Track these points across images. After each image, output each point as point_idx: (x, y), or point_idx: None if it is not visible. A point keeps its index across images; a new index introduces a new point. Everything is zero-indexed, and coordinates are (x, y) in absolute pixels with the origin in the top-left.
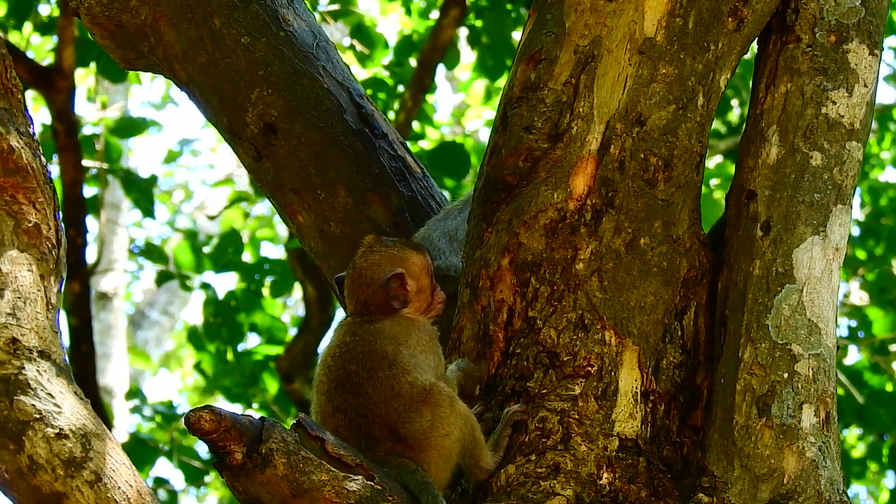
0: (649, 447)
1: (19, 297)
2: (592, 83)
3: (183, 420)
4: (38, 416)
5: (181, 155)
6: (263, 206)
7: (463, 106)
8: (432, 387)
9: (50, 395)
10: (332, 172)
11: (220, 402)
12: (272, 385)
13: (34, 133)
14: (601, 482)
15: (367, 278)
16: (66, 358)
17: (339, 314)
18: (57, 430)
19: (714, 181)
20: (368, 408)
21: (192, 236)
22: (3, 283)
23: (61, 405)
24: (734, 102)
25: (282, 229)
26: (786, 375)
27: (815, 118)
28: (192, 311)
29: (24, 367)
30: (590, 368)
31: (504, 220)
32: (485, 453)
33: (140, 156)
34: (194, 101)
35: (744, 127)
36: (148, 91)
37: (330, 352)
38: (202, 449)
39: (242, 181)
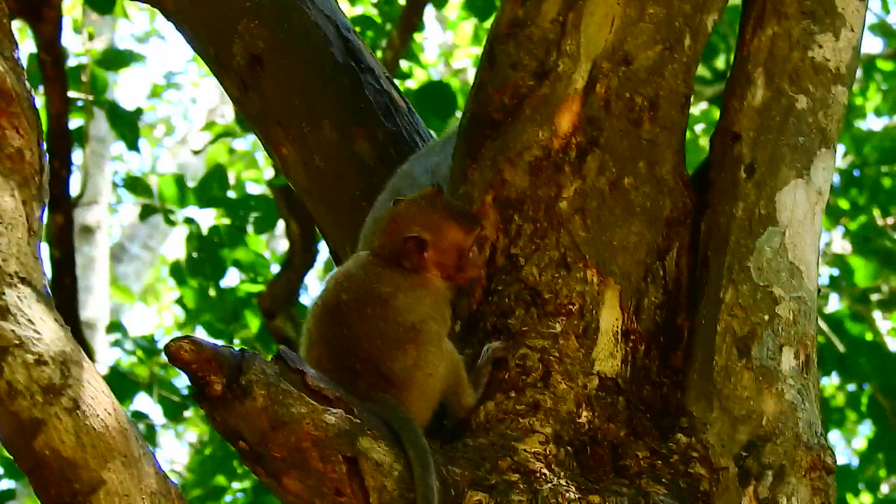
0: (629, 386)
1: (0, 223)
2: (580, 21)
3: (163, 350)
4: (17, 342)
5: (165, 89)
6: (246, 143)
7: (451, 46)
8: (421, 324)
9: (30, 321)
10: (317, 106)
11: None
12: (254, 322)
13: (19, 58)
14: (580, 420)
15: (393, 228)
16: (47, 285)
17: (323, 252)
18: (36, 357)
19: (700, 126)
20: (353, 341)
21: (178, 174)
22: None
23: (41, 331)
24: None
25: (267, 171)
26: (766, 318)
27: (802, 61)
28: (173, 246)
29: (4, 293)
30: (571, 307)
31: (488, 157)
32: (466, 391)
33: (124, 89)
34: (181, 32)
35: (730, 69)
36: (133, 24)
37: (335, 276)
38: (182, 383)
39: (225, 118)
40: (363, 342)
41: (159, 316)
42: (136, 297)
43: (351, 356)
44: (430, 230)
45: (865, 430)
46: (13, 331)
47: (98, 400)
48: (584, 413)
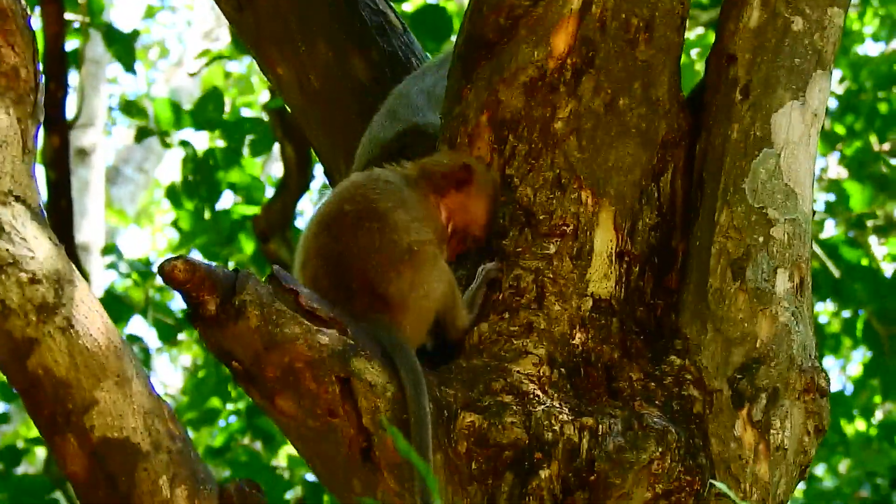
0: (623, 308)
1: None
2: None
3: (157, 270)
4: (10, 260)
5: (160, 10)
6: (242, 66)
7: None
8: (419, 246)
9: (24, 239)
10: (312, 25)
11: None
12: (248, 245)
13: None
14: (574, 342)
15: (457, 154)
16: (41, 204)
17: (319, 175)
18: (30, 275)
19: (695, 51)
20: (348, 258)
21: (173, 100)
22: None
23: (35, 250)
24: None
25: (262, 96)
26: (761, 239)
27: None
28: (168, 169)
29: None
30: (565, 228)
31: (483, 78)
32: (461, 312)
33: (119, 10)
34: None
35: None
36: None
37: (341, 185)
38: (177, 306)
39: (220, 41)
40: (358, 260)
41: (153, 238)
42: (130, 220)
43: (347, 274)
44: (478, 181)
45: (860, 356)
46: (7, 249)
47: (91, 319)
48: (578, 335)
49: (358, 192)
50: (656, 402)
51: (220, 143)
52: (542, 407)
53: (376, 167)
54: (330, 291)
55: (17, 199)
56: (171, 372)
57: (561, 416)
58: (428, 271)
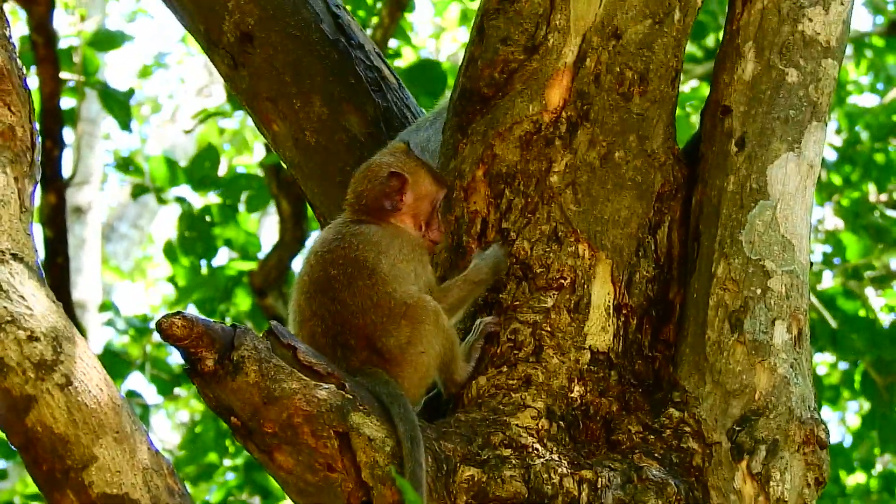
0: (621, 361)
1: None
2: None
3: (155, 326)
4: (9, 318)
5: (155, 68)
6: (236, 122)
7: (439, 29)
8: (416, 301)
9: (22, 297)
10: (307, 81)
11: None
12: (245, 300)
13: (10, 35)
14: (572, 395)
15: (372, 172)
16: (39, 261)
17: (314, 232)
18: (28, 333)
19: (689, 104)
20: (346, 316)
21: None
22: None
23: (33, 307)
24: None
25: (257, 150)
26: (759, 291)
27: (792, 35)
28: (162, 226)
29: None
30: (563, 281)
31: (479, 132)
32: (459, 366)
33: (113, 68)
34: (171, 9)
35: (720, 45)
36: (122, 3)
37: (314, 249)
38: (175, 361)
39: (213, 97)
40: (356, 317)
41: (146, 293)
42: (125, 276)
43: (345, 331)
44: (408, 172)
45: (857, 408)
46: (5, 307)
47: (90, 376)
48: (577, 387)
49: (337, 253)
50: (655, 455)
51: (216, 200)
52: (542, 460)
53: (335, 221)
54: (329, 349)
55: (15, 257)
56: (168, 429)
57: (560, 470)
58: (427, 327)
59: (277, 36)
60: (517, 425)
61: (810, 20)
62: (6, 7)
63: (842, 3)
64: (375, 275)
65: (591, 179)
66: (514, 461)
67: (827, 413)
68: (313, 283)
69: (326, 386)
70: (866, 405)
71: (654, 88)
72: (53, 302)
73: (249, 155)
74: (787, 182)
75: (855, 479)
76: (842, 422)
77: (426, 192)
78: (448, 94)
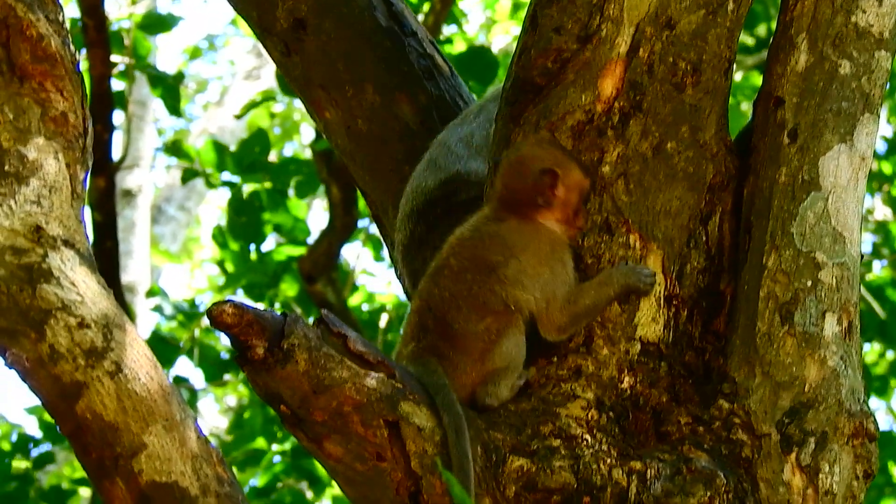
0: (671, 352)
1: (44, 186)
2: None
3: (205, 314)
4: (60, 305)
5: (206, 51)
6: (283, 104)
7: (490, 21)
8: (517, 304)
9: (73, 284)
10: (360, 69)
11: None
12: (293, 287)
13: (63, 21)
14: (622, 386)
15: (524, 167)
16: (90, 248)
17: (364, 220)
18: (79, 320)
19: (741, 94)
20: (438, 300)
21: (217, 141)
22: (29, 171)
23: (84, 294)
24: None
25: (306, 133)
26: (809, 283)
27: (845, 26)
28: (210, 208)
29: (47, 256)
30: None
31: (531, 121)
32: (511, 383)
33: (163, 50)
34: None
35: (772, 36)
36: None
37: (450, 241)
38: (223, 347)
39: (261, 82)
40: (447, 303)
41: (192, 275)
42: (174, 258)
43: (430, 312)
44: (559, 166)
45: None
46: (56, 294)
47: (140, 363)
48: (626, 378)
49: (465, 245)
50: (704, 447)
51: (266, 184)
52: (591, 451)
53: (472, 216)
54: (409, 327)
55: (66, 243)
56: (215, 413)
57: (609, 461)
58: (511, 334)
59: (330, 23)
60: (567, 416)
61: (864, 11)
62: None
63: None
64: (494, 273)
65: (642, 170)
66: (563, 451)
67: (874, 402)
68: (434, 268)
69: (376, 375)
70: None
71: (707, 79)
72: (104, 289)
73: (298, 139)
74: (839, 174)
75: None
76: (889, 410)
77: (575, 184)
78: (492, 87)
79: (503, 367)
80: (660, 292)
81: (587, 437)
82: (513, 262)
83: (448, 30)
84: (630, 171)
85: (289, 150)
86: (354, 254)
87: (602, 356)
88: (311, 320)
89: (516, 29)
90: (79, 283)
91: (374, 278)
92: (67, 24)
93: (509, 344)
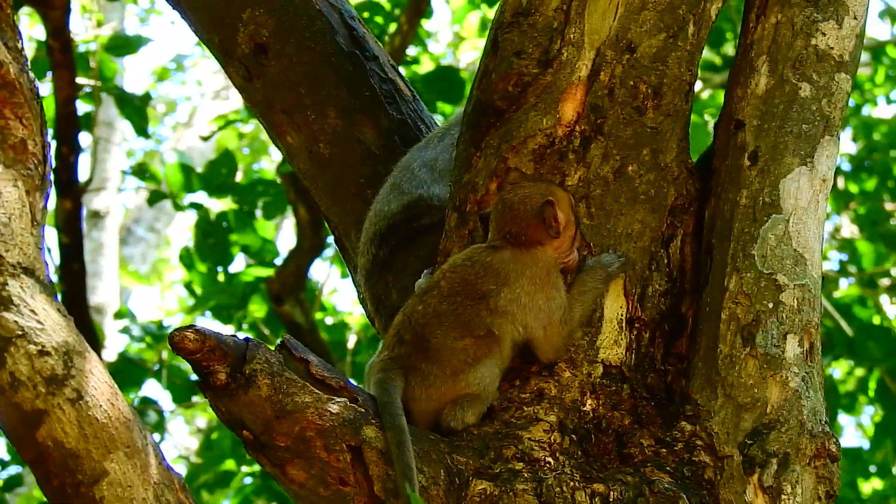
0: (633, 374)
1: (3, 213)
2: (584, 9)
3: (167, 339)
4: (20, 332)
5: (173, 72)
6: (252, 125)
7: (457, 38)
8: (499, 340)
9: (33, 311)
10: (322, 93)
11: (210, 322)
12: (261, 308)
13: (22, 48)
14: (585, 408)
15: (519, 210)
16: (50, 275)
17: (331, 238)
18: (39, 347)
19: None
20: (421, 315)
21: (183, 159)
22: None
23: (44, 322)
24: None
25: (275, 154)
26: (771, 305)
27: (805, 49)
28: (179, 229)
29: (7, 283)
30: None
31: (493, 145)
32: (476, 410)
33: (130, 71)
34: (185, 20)
35: (734, 57)
36: (138, 5)
37: (442, 267)
38: (191, 368)
39: (230, 102)
40: (430, 317)
41: (162, 296)
42: (143, 280)
43: (409, 325)
44: (551, 196)
45: (874, 414)
46: (16, 321)
47: (101, 390)
48: (589, 401)
49: (460, 273)
50: (667, 468)
51: (233, 206)
52: (554, 474)
53: (471, 246)
54: (387, 339)
55: (26, 271)
56: (185, 434)
57: (572, 483)
58: (489, 362)
59: (292, 48)
60: (529, 439)
61: (824, 34)
62: (23, 11)
63: (855, 18)
64: (484, 301)
65: (604, 193)
66: (526, 475)
67: (844, 419)
68: (421, 290)
69: (339, 400)
70: (881, 412)
71: (667, 102)
72: (65, 316)
73: (268, 159)
74: (800, 196)
75: (871, 486)
76: (859, 426)
77: (568, 205)
78: (458, 110)
79: (474, 393)
80: (622, 315)
81: (550, 460)
82: (504, 292)
83: (415, 50)
84: (591, 194)
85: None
86: (324, 273)
87: (564, 379)
88: (275, 346)
89: (482, 42)
90: (39, 310)
91: (343, 297)
92: (31, 48)
93: (485, 371)
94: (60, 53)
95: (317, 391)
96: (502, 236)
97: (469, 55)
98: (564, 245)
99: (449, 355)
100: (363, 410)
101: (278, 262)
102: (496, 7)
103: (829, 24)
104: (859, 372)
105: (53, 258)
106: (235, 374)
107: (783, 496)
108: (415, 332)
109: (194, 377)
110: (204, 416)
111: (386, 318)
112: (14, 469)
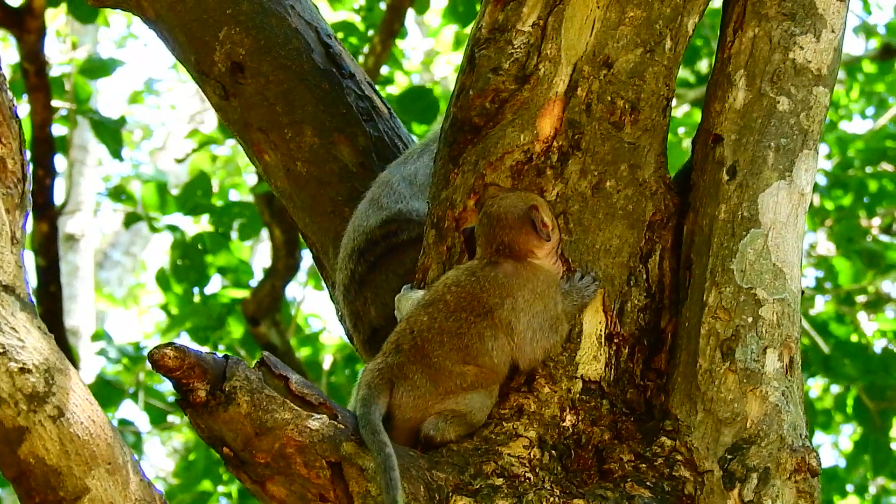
0: (613, 390)
1: None
2: (560, 25)
3: (147, 357)
4: (1, 350)
5: (146, 95)
6: (227, 148)
7: (432, 53)
8: (500, 365)
9: (13, 329)
10: (298, 112)
11: (186, 343)
12: (237, 329)
13: (1, 68)
14: (564, 424)
15: (505, 219)
16: (30, 294)
17: (306, 259)
18: (20, 365)
19: (682, 129)
20: (425, 328)
21: (160, 180)
22: None
23: (25, 340)
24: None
25: (249, 177)
26: (750, 320)
27: (783, 63)
28: (155, 252)
29: None
30: None
31: (470, 161)
32: (461, 429)
33: (104, 94)
34: (162, 40)
35: (711, 71)
36: (112, 29)
37: (444, 281)
38: (168, 389)
39: (205, 126)
40: (434, 332)
41: (139, 320)
42: (119, 303)
43: (411, 335)
44: (536, 202)
45: (851, 432)
46: None
47: (82, 408)
48: (569, 417)
49: (465, 286)
50: (647, 484)
51: (209, 227)
52: (534, 489)
53: (466, 263)
54: (386, 345)
55: (7, 289)
56: (161, 455)
57: (552, 499)
58: (483, 392)
59: (269, 66)
60: (509, 454)
61: (801, 48)
62: None
63: (833, 31)
64: (489, 317)
65: (582, 209)
66: (506, 490)
67: (820, 437)
68: (425, 301)
69: (319, 416)
70: (859, 429)
71: (645, 117)
72: (45, 334)
73: (241, 182)
74: (779, 210)
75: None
76: (835, 445)
77: (549, 209)
78: (436, 125)
79: (462, 411)
80: (601, 330)
81: (530, 475)
82: (508, 303)
83: (388, 70)
84: (570, 210)
85: (234, 194)
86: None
87: (544, 395)
88: (255, 363)
89: (458, 59)
90: (20, 328)
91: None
92: (7, 70)
93: (475, 398)
94: (35, 76)
95: (296, 408)
96: (494, 250)
97: (443, 69)
98: (553, 248)
99: (445, 377)
100: (343, 427)
101: (254, 283)
102: (472, 24)
103: (806, 38)
104: (836, 389)
105: (30, 280)
106: (215, 391)
107: None
108: (415, 343)
109: (172, 396)
110: (180, 438)
111: (364, 334)
112: None
